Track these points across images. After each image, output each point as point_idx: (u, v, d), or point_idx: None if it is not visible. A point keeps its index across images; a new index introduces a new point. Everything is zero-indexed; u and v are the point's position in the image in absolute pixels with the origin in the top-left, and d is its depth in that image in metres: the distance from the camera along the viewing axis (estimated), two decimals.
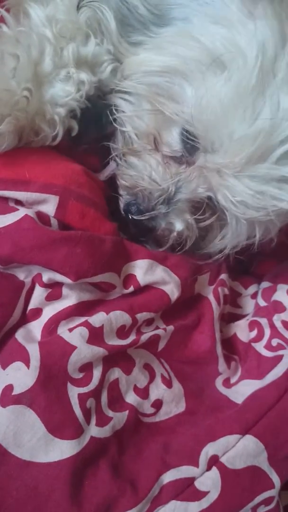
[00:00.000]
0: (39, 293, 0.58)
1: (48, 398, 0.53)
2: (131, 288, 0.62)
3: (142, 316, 0.61)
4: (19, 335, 0.57)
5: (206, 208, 0.67)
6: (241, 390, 0.64)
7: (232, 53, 0.57)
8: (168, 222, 0.67)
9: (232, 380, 0.66)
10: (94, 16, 0.68)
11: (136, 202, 0.67)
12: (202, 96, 0.59)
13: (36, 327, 0.58)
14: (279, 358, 0.65)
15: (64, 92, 0.63)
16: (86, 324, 0.57)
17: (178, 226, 0.67)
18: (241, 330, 0.70)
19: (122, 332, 0.60)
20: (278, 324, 0.68)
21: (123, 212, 0.70)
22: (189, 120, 0.61)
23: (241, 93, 0.57)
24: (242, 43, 0.57)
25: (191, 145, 0.64)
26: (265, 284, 0.76)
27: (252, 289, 0.77)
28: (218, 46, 0.59)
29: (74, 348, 0.55)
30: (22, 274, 0.59)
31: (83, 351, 0.56)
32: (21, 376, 0.53)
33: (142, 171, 0.68)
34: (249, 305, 0.75)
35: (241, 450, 0.57)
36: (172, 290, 0.63)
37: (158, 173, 0.67)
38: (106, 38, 0.68)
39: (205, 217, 0.68)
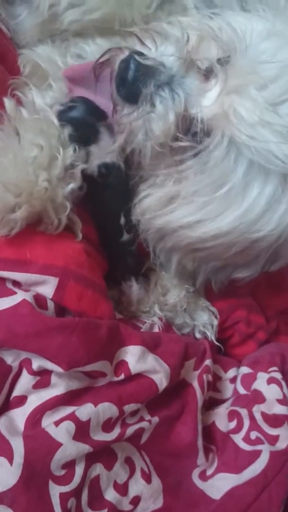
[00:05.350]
0: (26, 380, 0.55)
1: (29, 498, 0.50)
2: (122, 376, 0.60)
3: (129, 407, 0.59)
4: (2, 425, 0.53)
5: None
6: (217, 485, 0.63)
7: None
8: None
9: (208, 472, 0.65)
10: None
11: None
12: None
13: (19, 416, 0.55)
14: (257, 454, 0.65)
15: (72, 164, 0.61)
16: (73, 417, 0.55)
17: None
18: (220, 419, 0.69)
19: (107, 425, 0.57)
20: (258, 416, 0.68)
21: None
22: None
23: None
24: None
25: None
26: (244, 370, 0.75)
27: (231, 373, 0.76)
28: None
29: (59, 445, 0.52)
30: (10, 358, 0.56)
31: (69, 448, 0.53)
32: (3, 473, 0.50)
33: None
34: (228, 390, 0.74)
35: None
36: (161, 379, 0.62)
37: None
38: None
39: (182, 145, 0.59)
